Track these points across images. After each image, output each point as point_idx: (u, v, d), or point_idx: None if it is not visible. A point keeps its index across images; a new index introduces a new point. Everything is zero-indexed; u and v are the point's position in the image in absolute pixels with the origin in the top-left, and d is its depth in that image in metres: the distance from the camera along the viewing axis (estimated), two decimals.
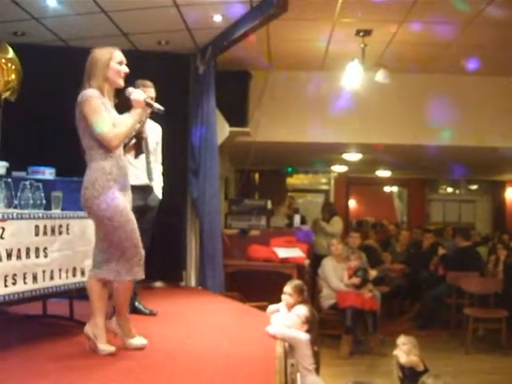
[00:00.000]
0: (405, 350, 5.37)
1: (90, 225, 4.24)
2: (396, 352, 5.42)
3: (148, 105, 3.99)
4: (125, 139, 3.95)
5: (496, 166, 13.70)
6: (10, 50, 6.07)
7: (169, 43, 7.35)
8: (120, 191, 3.82)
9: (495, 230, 15.99)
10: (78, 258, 4.41)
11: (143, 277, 3.96)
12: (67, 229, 4.32)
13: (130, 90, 4.02)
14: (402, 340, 5.46)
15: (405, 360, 5.32)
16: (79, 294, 4.34)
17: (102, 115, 3.71)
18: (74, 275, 4.38)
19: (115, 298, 3.97)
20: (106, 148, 3.74)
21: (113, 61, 3.89)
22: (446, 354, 7.29)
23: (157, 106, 4.07)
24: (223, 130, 8.19)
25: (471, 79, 8.91)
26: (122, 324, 4.04)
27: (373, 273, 8.43)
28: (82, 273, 4.43)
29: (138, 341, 4.08)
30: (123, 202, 3.82)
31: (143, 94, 4.05)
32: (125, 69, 3.95)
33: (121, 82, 3.93)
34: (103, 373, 3.52)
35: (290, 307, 5.18)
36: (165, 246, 7.33)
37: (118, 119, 3.83)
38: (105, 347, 3.84)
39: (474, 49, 7.76)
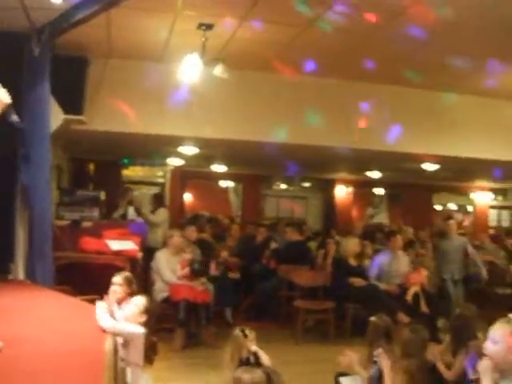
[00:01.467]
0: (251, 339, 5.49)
1: None
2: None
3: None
4: None
5: (326, 164, 14.31)
6: None
7: (3, 21, 6.92)
8: None
9: (325, 225, 16.70)
10: None
11: None
12: None
13: None
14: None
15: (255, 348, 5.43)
16: None
17: None
18: None
19: None
20: None
21: None
22: (276, 345, 7.47)
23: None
24: (57, 116, 7.84)
25: (307, 79, 9.21)
26: None
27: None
28: None
29: None
30: None
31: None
32: None
33: None
34: None
35: (120, 300, 5.08)
36: None
37: None
38: None
39: (312, 51, 8.04)
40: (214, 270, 9.41)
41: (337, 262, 9.57)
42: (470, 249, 10.21)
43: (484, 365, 3.55)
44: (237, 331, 6.00)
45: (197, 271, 8.24)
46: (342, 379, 6.55)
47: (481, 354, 3.61)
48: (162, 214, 10.53)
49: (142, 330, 4.57)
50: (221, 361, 7.27)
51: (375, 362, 5.95)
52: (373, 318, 6.28)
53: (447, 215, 15.03)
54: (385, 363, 5.79)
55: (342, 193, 18.07)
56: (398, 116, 9.66)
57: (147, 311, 4.68)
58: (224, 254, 10.54)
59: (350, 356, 6.39)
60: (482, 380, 3.51)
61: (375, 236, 13.47)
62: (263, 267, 10.71)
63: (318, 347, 8.36)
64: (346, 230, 13.67)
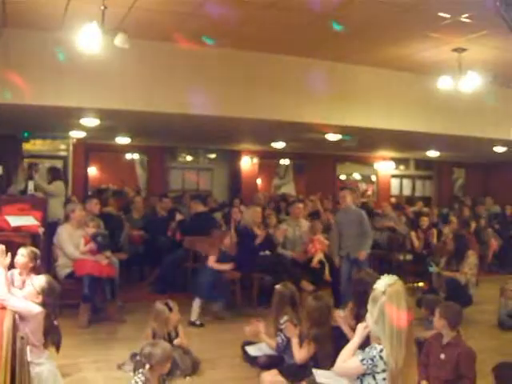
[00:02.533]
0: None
1: None
2: None
3: None
4: None
5: (232, 136, 14.34)
6: None
7: None
8: None
9: (231, 196, 16.76)
10: None
11: None
12: None
13: None
14: None
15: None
16: None
17: None
18: None
19: None
20: None
21: None
22: (184, 316, 7.46)
23: None
24: None
25: (208, 50, 9.20)
26: None
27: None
28: None
29: None
30: None
31: None
32: None
33: None
34: None
35: (23, 269, 4.96)
36: None
37: None
38: None
39: (211, 22, 7.97)
40: None
41: (241, 231, 9.64)
42: (366, 221, 9.39)
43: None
44: (160, 305, 5.96)
45: (101, 245, 8.11)
46: (248, 348, 6.67)
47: None
48: (59, 186, 10.29)
49: (37, 308, 4.43)
50: (128, 335, 7.30)
51: (281, 330, 6.08)
52: (278, 287, 6.40)
53: (342, 186, 15.45)
54: (291, 330, 5.93)
55: (247, 164, 18.15)
56: (301, 87, 9.76)
57: (44, 292, 4.50)
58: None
59: (257, 325, 6.51)
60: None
61: (279, 205, 13.68)
62: (169, 239, 10.69)
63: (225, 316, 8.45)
64: (251, 200, 13.77)
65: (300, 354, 5.80)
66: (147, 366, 4.42)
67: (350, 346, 3.73)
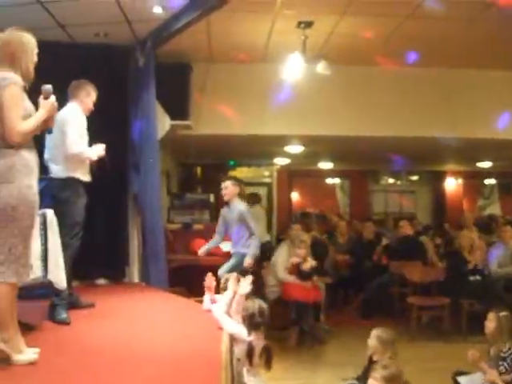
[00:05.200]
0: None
1: None
2: None
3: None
4: (28, 136, 3.53)
5: (436, 156, 13.94)
6: None
7: (107, 35, 7.17)
8: (34, 182, 3.54)
9: (435, 219, 16.28)
10: None
11: (28, 280, 3.62)
12: None
13: None
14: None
15: None
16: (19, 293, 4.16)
17: (18, 109, 3.42)
18: None
19: None
20: None
21: (35, 49, 3.66)
22: None
23: None
24: (164, 123, 8.08)
25: (410, 71, 9.01)
26: (9, 338, 3.44)
27: (309, 263, 8.34)
28: None
29: (26, 356, 3.50)
30: (35, 194, 3.54)
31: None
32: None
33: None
34: (42, 375, 3.40)
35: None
36: (106, 242, 7.20)
37: (29, 111, 3.54)
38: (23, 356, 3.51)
39: (412, 41, 7.84)
40: None
41: (452, 256, 9.29)
42: None
43: None
44: (383, 332, 5.80)
45: (305, 274, 8.15)
46: (461, 378, 6.34)
47: None
48: (257, 211, 10.68)
49: (246, 333, 4.40)
50: (333, 359, 7.28)
51: (504, 359, 5.73)
52: (496, 314, 6.05)
53: None
54: None
55: (452, 185, 17.56)
56: (508, 102, 9.25)
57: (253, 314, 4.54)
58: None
59: (475, 353, 6.16)
60: None
61: (490, 227, 12.99)
62: (374, 264, 10.57)
63: (433, 345, 8.13)
64: (457, 223, 13.25)
65: None
66: None
67: None
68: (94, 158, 5.24)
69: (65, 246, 4.85)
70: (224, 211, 7.84)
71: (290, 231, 8.87)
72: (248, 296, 4.84)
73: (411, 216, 16.00)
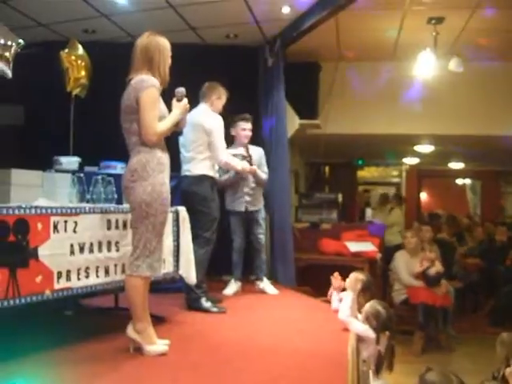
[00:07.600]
0: None
1: None
2: None
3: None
4: (163, 136, 3.74)
5: None
6: (80, 47, 6.21)
7: (237, 36, 7.34)
8: (167, 180, 3.72)
9: None
10: None
11: (161, 274, 3.87)
12: None
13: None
14: None
15: None
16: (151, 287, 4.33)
17: (155, 110, 3.62)
18: None
19: (132, 298, 3.67)
20: None
21: (170, 52, 3.83)
22: None
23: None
24: (293, 122, 8.14)
25: None
26: (142, 329, 3.66)
27: (435, 268, 8.05)
28: None
29: (158, 347, 3.70)
30: (168, 191, 3.71)
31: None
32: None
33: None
34: (172, 366, 3.53)
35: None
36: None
37: (163, 113, 3.74)
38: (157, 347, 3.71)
39: None
40: None
41: None
42: None
43: None
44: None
45: (431, 280, 7.89)
46: None
47: None
48: (397, 214, 10.46)
49: (373, 334, 4.39)
50: (460, 367, 7.03)
51: None
52: None
53: None
54: None
55: None
56: None
57: (373, 317, 4.45)
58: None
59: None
60: None
61: None
62: (507, 269, 10.14)
63: None
64: None
65: None
66: None
67: None
68: (238, 168, 5.73)
69: (206, 241, 5.14)
70: None
71: (420, 233, 8.65)
72: (366, 294, 4.78)
73: None
